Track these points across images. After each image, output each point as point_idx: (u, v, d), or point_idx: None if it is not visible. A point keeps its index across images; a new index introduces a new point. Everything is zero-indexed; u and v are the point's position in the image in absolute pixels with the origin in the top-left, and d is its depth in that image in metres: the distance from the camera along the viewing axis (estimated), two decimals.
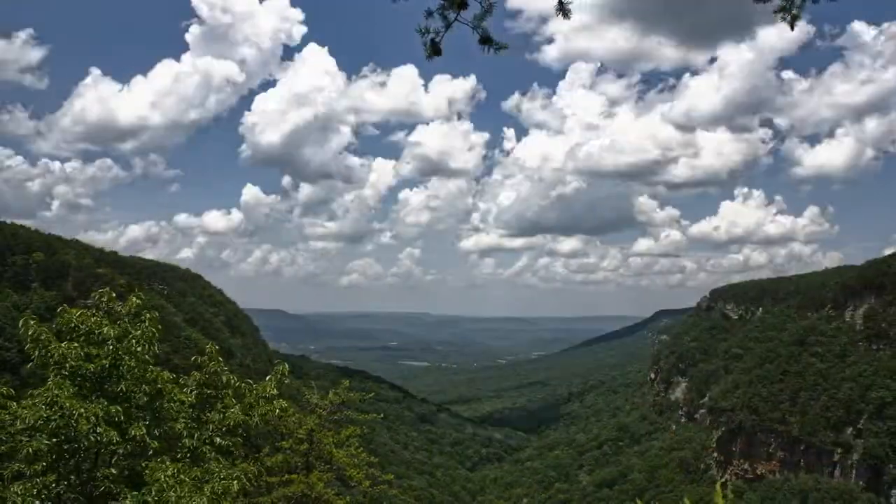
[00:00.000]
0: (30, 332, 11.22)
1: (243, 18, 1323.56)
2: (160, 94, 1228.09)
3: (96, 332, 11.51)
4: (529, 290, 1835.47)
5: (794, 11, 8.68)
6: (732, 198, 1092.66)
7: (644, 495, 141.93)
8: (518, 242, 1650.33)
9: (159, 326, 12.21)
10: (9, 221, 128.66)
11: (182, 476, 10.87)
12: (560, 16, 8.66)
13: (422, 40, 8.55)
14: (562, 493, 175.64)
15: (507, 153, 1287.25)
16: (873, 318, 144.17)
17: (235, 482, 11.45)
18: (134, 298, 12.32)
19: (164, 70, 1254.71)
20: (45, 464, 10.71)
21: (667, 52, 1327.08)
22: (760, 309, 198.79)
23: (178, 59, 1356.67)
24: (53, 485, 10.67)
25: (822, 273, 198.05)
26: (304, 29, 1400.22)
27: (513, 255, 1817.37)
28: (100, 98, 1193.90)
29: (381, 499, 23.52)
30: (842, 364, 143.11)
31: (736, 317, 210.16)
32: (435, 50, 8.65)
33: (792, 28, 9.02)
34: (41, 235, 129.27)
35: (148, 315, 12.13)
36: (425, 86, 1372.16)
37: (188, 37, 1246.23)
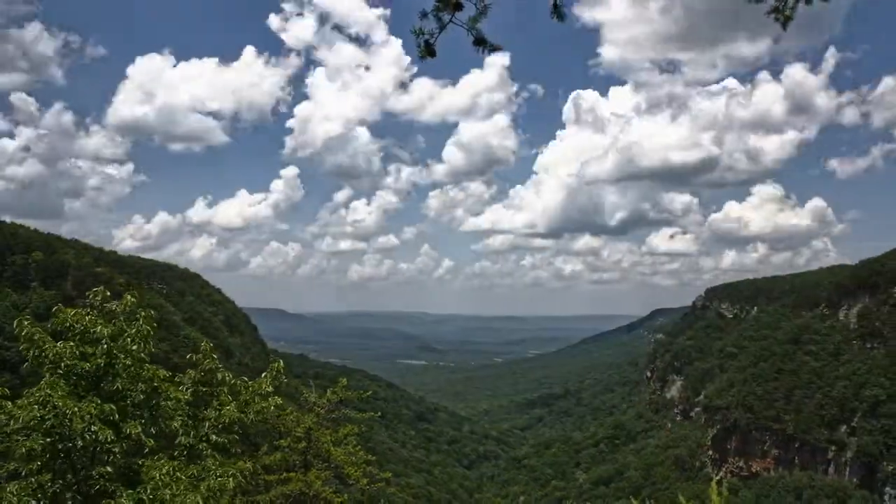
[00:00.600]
0: (23, 332, 11.16)
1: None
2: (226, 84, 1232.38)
3: (91, 331, 11.47)
4: (529, 289, 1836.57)
5: (787, 13, 8.70)
6: (747, 198, 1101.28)
7: (640, 493, 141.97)
8: (538, 242, 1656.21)
9: (154, 325, 12.15)
10: (9, 220, 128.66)
11: (178, 474, 10.82)
12: (555, 18, 8.67)
13: (416, 41, 8.51)
14: (558, 490, 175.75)
15: (542, 153, 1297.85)
16: (867, 317, 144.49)
17: (231, 479, 11.41)
18: (129, 297, 12.26)
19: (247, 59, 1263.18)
20: (40, 463, 10.65)
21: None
22: (755, 308, 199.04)
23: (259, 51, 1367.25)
24: (49, 484, 10.61)
25: (817, 272, 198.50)
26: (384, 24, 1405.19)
27: (521, 255, 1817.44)
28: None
29: (378, 497, 23.49)
30: (836, 362, 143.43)
31: (731, 316, 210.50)
32: (429, 51, 8.61)
33: (784, 29, 9.03)
34: (40, 235, 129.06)
35: (143, 313, 12.07)
36: (468, 84, 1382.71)
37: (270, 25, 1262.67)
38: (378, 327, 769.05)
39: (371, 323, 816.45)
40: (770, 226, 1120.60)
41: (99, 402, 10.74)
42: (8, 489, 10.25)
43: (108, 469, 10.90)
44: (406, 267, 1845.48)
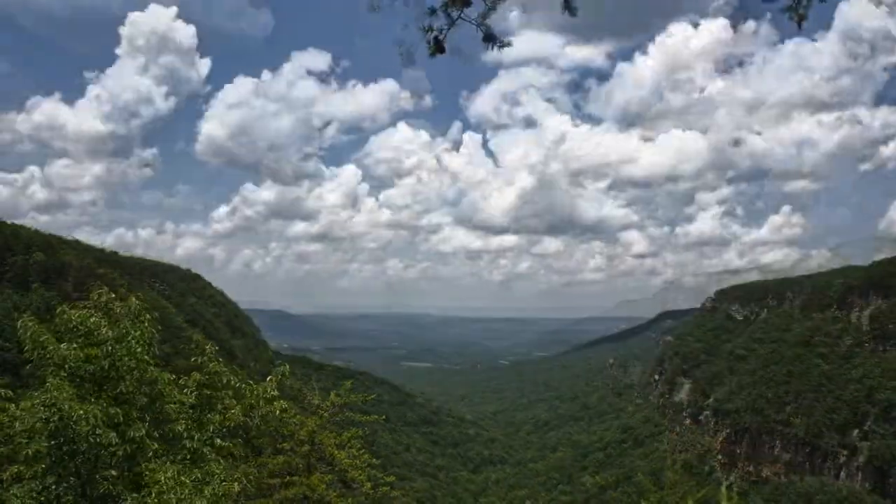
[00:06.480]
0: (28, 334, 11.18)
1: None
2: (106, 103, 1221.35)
3: (95, 332, 11.47)
4: (530, 290, 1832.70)
5: (801, 11, 8.69)
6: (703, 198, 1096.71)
7: (649, 498, 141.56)
8: (512, 242, 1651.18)
9: (158, 327, 12.17)
10: (10, 222, 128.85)
11: (182, 478, 10.83)
12: (567, 13, 8.65)
13: (425, 38, 8.51)
14: (565, 495, 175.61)
15: (483, 154, 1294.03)
16: (879, 319, 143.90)
17: (236, 484, 11.41)
18: (133, 299, 12.29)
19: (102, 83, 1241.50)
20: (44, 466, 10.68)
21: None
22: (765, 310, 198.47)
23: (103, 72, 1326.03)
24: (53, 487, 10.65)
25: (828, 273, 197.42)
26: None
27: (511, 257, 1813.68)
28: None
29: (382, 501, 23.50)
30: (847, 365, 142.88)
31: (740, 318, 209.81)
32: (439, 48, 8.61)
33: (800, 27, 9.03)
34: (41, 235, 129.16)
35: (147, 316, 12.09)
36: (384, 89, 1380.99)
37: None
38: (381, 329, 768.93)
39: (373, 324, 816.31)
40: None
41: (105, 405, 10.76)
42: (12, 492, 10.29)
43: (113, 472, 10.93)
44: (410, 267, 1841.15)
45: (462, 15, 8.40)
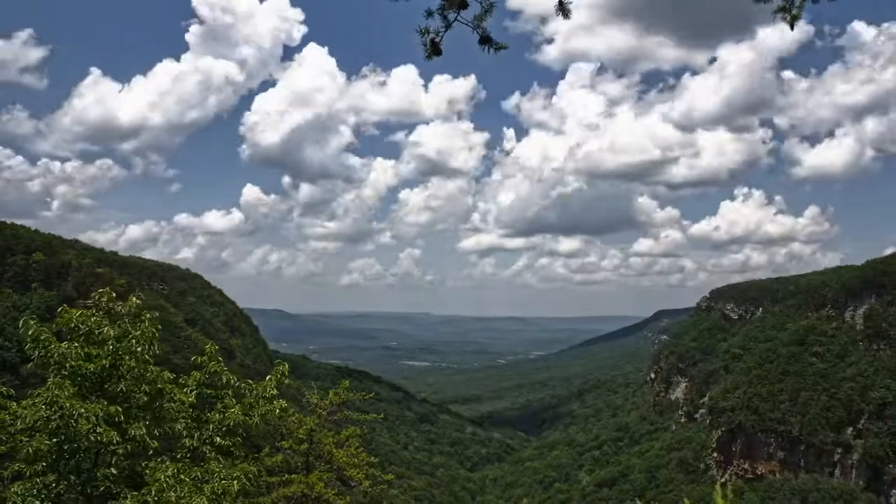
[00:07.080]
0: (30, 332, 11.21)
1: (243, 18, 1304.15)
2: (160, 95, 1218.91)
3: (96, 332, 11.50)
4: (529, 289, 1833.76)
5: (794, 12, 8.66)
6: (732, 198, 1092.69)
7: (644, 495, 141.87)
8: (518, 242, 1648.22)
9: (159, 327, 12.20)
10: (9, 221, 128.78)
11: (182, 476, 10.87)
12: (560, 15, 8.64)
13: (421, 40, 8.49)
14: (561, 492, 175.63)
15: (507, 153, 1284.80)
16: (873, 318, 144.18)
17: (235, 482, 11.43)
18: (134, 299, 12.32)
19: (164, 70, 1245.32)
20: (45, 464, 10.71)
21: (666, 52, 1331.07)
22: (760, 309, 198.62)
23: (177, 59, 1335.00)
24: (53, 485, 10.68)
25: (822, 273, 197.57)
26: (304, 28, 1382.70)
27: (512, 255, 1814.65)
28: (99, 98, 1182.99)
29: (381, 499, 23.53)
30: (842, 364, 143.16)
31: (736, 317, 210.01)
32: (435, 50, 8.58)
33: (792, 28, 9.01)
34: (41, 235, 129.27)
35: (148, 315, 12.12)
36: (424, 86, 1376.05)
37: (188, 37, 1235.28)
38: (380, 328, 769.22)
39: (372, 324, 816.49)
40: None
41: (105, 403, 10.79)
42: (13, 489, 10.32)
43: (113, 471, 10.96)
44: (406, 268, 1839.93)
45: (459, 17, 8.36)
